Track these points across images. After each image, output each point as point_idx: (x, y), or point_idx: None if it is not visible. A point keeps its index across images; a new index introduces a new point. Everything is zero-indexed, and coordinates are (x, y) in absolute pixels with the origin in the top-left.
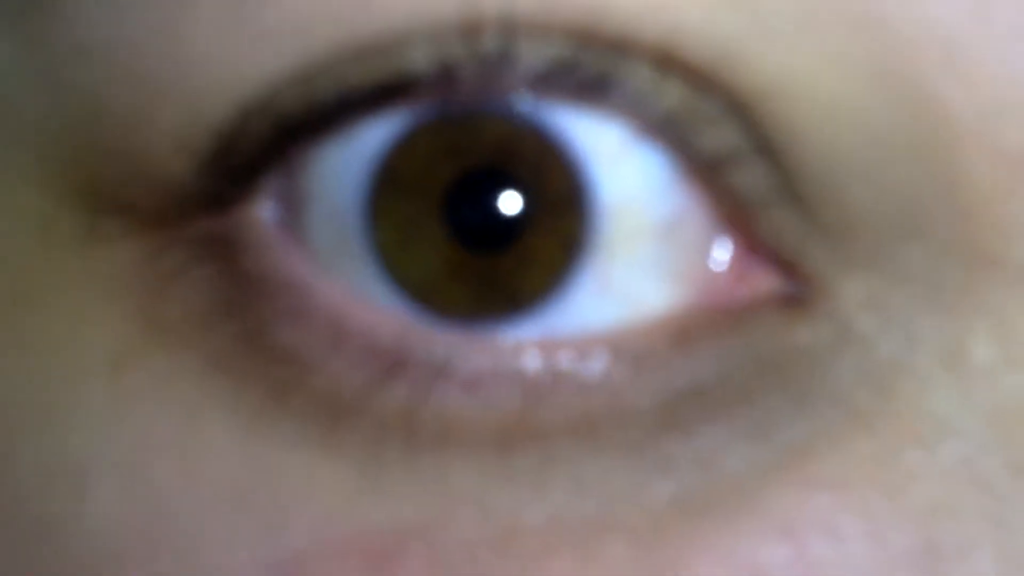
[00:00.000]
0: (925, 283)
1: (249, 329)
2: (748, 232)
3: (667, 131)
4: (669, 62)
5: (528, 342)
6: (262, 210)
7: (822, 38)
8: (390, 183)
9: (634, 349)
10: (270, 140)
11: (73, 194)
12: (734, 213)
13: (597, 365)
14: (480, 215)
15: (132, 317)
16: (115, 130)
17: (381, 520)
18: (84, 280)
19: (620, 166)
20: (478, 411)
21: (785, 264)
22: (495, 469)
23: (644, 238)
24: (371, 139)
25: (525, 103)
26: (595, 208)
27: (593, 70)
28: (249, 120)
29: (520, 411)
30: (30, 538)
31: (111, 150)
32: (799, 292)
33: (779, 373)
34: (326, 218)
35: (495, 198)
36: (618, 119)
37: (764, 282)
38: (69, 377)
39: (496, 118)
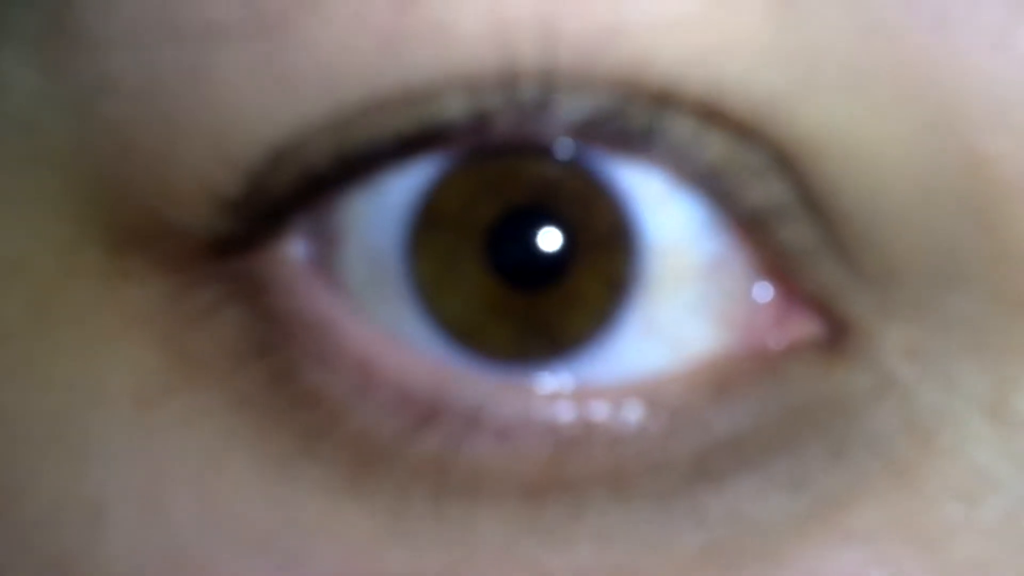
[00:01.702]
0: (967, 331)
1: (277, 370)
2: (790, 280)
3: (710, 183)
4: (712, 115)
5: (563, 391)
6: (293, 249)
7: (869, 92)
8: (431, 218)
9: (671, 401)
10: (299, 187)
11: (99, 226)
12: (776, 262)
13: (632, 416)
14: (523, 252)
15: (157, 353)
16: (141, 166)
17: (403, 568)
18: (107, 312)
19: (665, 206)
20: (508, 461)
21: (826, 310)
22: (523, 519)
23: (688, 279)
24: (409, 178)
25: (565, 149)
26: (640, 247)
27: (634, 122)
28: (278, 167)
29: (551, 462)
30: (45, 572)
31: (137, 186)
32: (839, 338)
33: (817, 422)
34: (362, 255)
35: (538, 235)
36: (660, 169)
37: (804, 327)
38: (89, 409)
39: (538, 157)
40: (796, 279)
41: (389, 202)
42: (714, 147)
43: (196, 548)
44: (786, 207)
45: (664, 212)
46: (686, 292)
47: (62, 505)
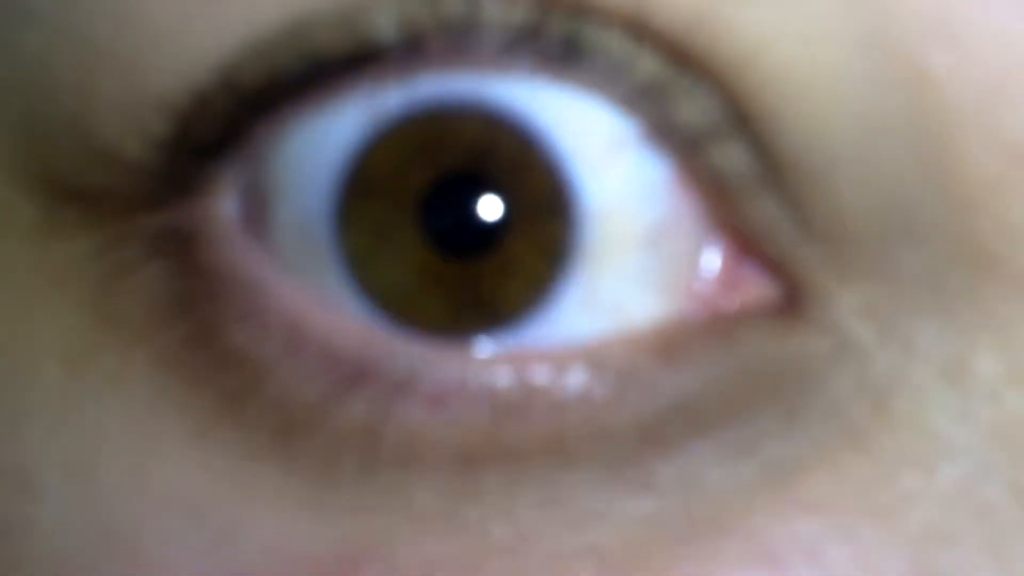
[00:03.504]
0: (925, 290)
1: (202, 328)
2: (737, 232)
3: (644, 104)
4: (642, 30)
5: (501, 355)
6: (223, 205)
7: (807, 4)
8: (361, 184)
9: (616, 364)
10: (231, 118)
11: (29, 178)
12: (720, 204)
13: (575, 381)
14: (457, 219)
15: (85, 312)
16: (66, 105)
17: (336, 538)
18: (37, 273)
19: (604, 169)
20: (444, 427)
21: (777, 269)
22: (461, 487)
23: (630, 245)
24: (340, 130)
25: (497, 85)
26: (578, 213)
27: (559, 33)
28: (207, 96)
29: (489, 429)
30: None
31: (64, 128)
32: (792, 300)
33: (770, 387)
34: (292, 218)
35: (473, 202)
36: (591, 91)
37: (755, 289)
38: (21, 374)
39: (470, 114)
40: (743, 228)
41: (322, 158)
42: (645, 66)
43: (127, 520)
44: (721, 129)
45: (603, 176)
46: (628, 259)
47: None
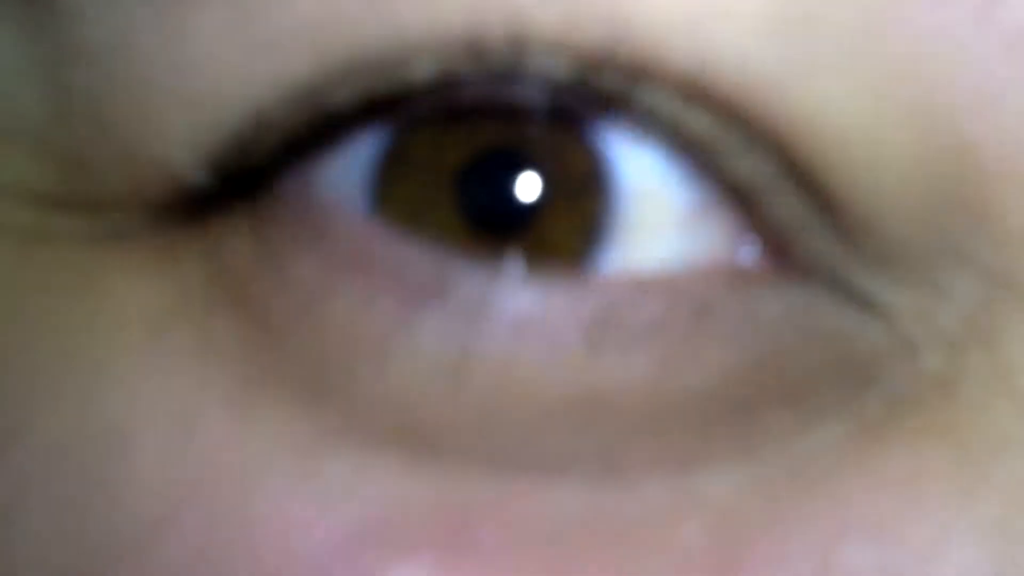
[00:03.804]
0: (969, 318)
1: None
2: (781, 249)
3: (692, 156)
4: (696, 91)
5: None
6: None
7: (862, 70)
8: (397, 162)
9: (690, 295)
10: (275, 152)
11: (68, 200)
12: (768, 235)
13: (653, 308)
14: (493, 197)
15: (158, 289)
16: (117, 138)
17: (443, 495)
18: (100, 266)
19: (643, 152)
20: (533, 358)
21: (819, 278)
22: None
23: (668, 226)
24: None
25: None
26: (616, 192)
27: (610, 90)
28: (257, 133)
29: (583, 358)
30: (75, 503)
31: (112, 158)
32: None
33: (838, 359)
34: (331, 195)
35: (510, 179)
36: (638, 135)
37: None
38: (107, 331)
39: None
40: (789, 248)
41: (355, 152)
42: (698, 123)
43: (228, 470)
44: (775, 183)
45: (643, 155)
46: (665, 240)
47: (86, 433)
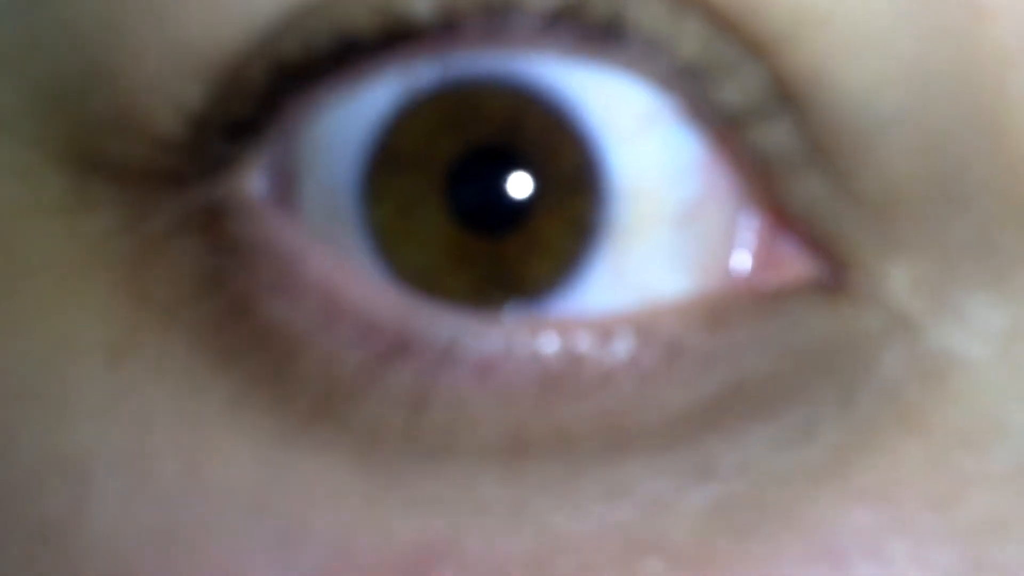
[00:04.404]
0: (975, 258)
1: (235, 303)
2: (776, 206)
3: (683, 83)
4: (686, 2)
5: (543, 322)
6: (252, 181)
7: None
8: (388, 159)
9: (662, 332)
10: (266, 92)
11: (57, 149)
12: (759, 181)
13: (622, 348)
14: (484, 196)
15: (120, 293)
16: (97, 70)
17: (404, 530)
18: (69, 252)
19: (636, 143)
20: (492, 401)
21: (819, 246)
22: (519, 474)
23: (662, 224)
24: (370, 105)
25: (531, 62)
26: (608, 190)
27: (602, 12)
28: (243, 67)
29: (538, 402)
30: (30, 542)
31: (93, 96)
32: (837, 277)
33: (823, 366)
34: (319, 191)
35: (501, 178)
36: (631, 72)
37: (796, 268)
38: (62, 364)
39: (501, 88)
40: (782, 202)
41: (347, 137)
42: (689, 40)
43: (188, 511)
44: (765, 105)
45: (634, 152)
46: (659, 238)
47: (44, 470)
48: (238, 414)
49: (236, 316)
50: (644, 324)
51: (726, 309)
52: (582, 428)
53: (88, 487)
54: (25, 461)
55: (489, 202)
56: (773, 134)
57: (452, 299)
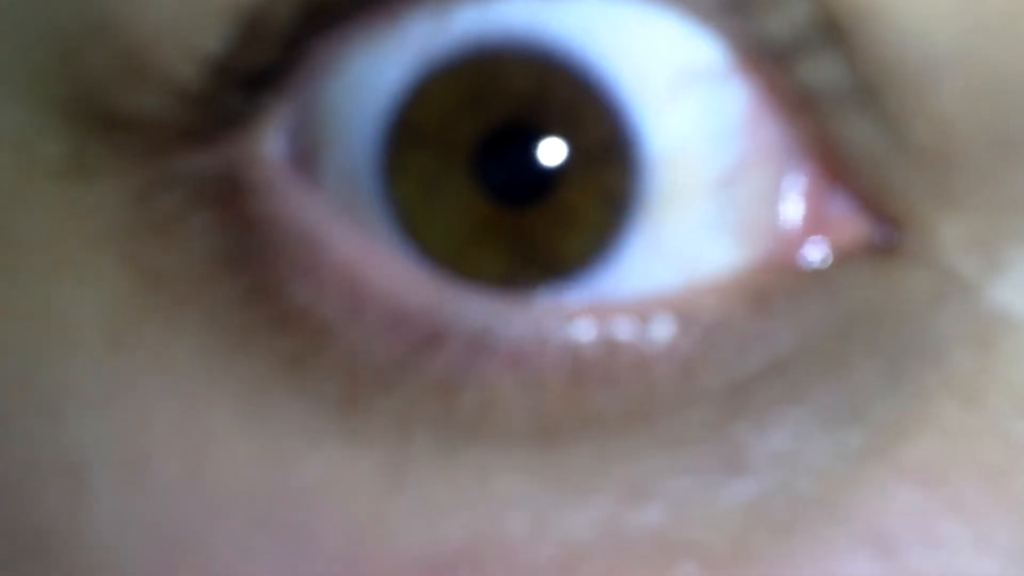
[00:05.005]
0: None
1: (255, 287)
2: (826, 156)
3: (726, 17)
4: None
5: (577, 307)
6: (271, 145)
7: None
8: (409, 132)
9: (703, 314)
10: (286, 36)
11: (58, 102)
12: (808, 127)
13: (660, 333)
14: (511, 167)
15: (125, 272)
16: (107, 19)
17: (418, 537)
18: (71, 224)
19: (672, 107)
20: (524, 391)
21: (870, 200)
22: (546, 469)
23: (701, 192)
24: (390, 71)
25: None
26: (642, 158)
27: None
28: (268, 7)
29: (572, 391)
30: (22, 547)
31: (99, 40)
32: (887, 236)
33: (869, 337)
34: (341, 165)
35: (529, 149)
36: (663, 10)
37: (846, 228)
38: (60, 351)
39: (525, 54)
40: (831, 150)
41: (368, 105)
42: None
43: (187, 521)
44: (810, 39)
45: (669, 117)
46: (699, 206)
47: (39, 469)
48: (250, 408)
49: (256, 301)
50: (683, 306)
51: (770, 284)
52: (612, 419)
53: (84, 488)
54: (17, 459)
55: (517, 174)
56: (822, 69)
57: (482, 279)
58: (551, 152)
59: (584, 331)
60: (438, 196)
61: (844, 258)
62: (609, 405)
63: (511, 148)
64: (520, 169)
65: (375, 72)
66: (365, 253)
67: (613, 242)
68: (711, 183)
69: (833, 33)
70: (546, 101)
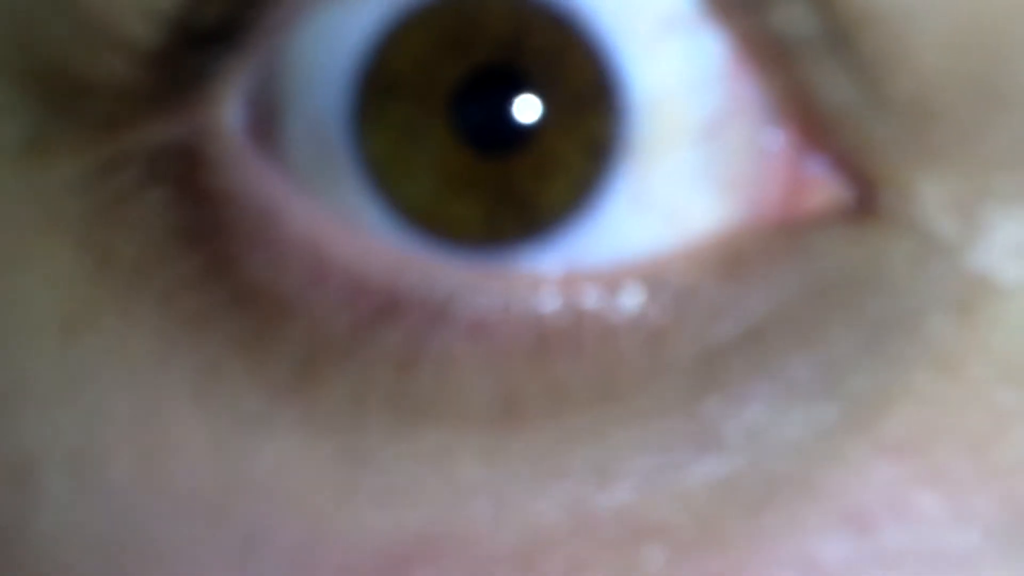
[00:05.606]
0: (1015, 172)
1: (212, 263)
2: (804, 115)
3: None
4: None
5: (549, 270)
6: (227, 113)
7: None
8: (381, 82)
9: (674, 280)
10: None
11: (19, 83)
12: (785, 84)
13: (629, 302)
14: (489, 115)
15: (81, 255)
16: None
17: (378, 527)
18: (25, 207)
19: (652, 53)
20: (486, 361)
21: (848, 159)
22: (504, 450)
23: (684, 140)
24: (357, 22)
25: None
26: (624, 104)
27: None
28: None
29: (535, 362)
30: None
31: (57, 13)
32: (865, 196)
33: (845, 304)
34: (304, 125)
35: (507, 96)
36: None
37: (824, 189)
38: (15, 341)
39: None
40: (810, 108)
41: (334, 60)
42: None
43: (143, 515)
44: None
45: (651, 62)
46: (681, 155)
47: None
48: (206, 396)
49: (213, 278)
50: (655, 273)
51: (745, 247)
52: (578, 394)
53: (34, 489)
54: None
55: (497, 122)
56: (795, 17)
57: (457, 235)
58: (531, 99)
59: (550, 300)
60: (414, 147)
61: (819, 221)
62: (574, 379)
63: (490, 95)
64: (499, 117)
65: (345, 18)
66: (326, 223)
67: (595, 191)
68: (693, 132)
69: None
70: (526, 45)
